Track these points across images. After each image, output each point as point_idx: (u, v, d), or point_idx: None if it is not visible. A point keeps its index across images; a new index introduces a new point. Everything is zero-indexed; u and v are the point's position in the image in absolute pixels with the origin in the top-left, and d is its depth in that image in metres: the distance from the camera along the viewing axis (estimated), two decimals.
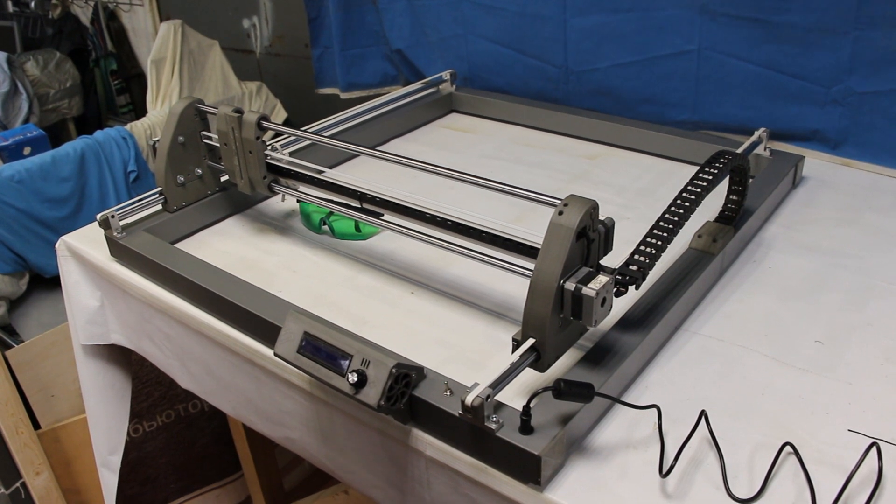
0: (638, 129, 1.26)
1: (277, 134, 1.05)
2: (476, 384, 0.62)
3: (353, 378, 0.65)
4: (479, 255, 0.79)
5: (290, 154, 1.03)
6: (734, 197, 0.92)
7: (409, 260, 0.98)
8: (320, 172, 0.94)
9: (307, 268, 0.99)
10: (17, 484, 1.59)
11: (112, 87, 2.78)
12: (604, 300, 0.66)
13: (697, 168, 0.84)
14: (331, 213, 1.04)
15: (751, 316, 0.84)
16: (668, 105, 1.32)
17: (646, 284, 0.76)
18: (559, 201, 0.67)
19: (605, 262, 0.71)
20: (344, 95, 1.72)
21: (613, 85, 1.36)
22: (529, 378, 0.71)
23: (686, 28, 1.24)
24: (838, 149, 1.20)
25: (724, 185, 0.90)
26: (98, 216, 0.98)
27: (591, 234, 0.67)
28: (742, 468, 0.64)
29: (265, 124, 0.96)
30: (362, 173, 1.14)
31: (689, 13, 1.22)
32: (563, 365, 0.72)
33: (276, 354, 0.73)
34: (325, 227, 1.05)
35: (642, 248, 0.76)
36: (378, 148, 1.19)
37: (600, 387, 0.67)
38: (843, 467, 0.61)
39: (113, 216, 0.98)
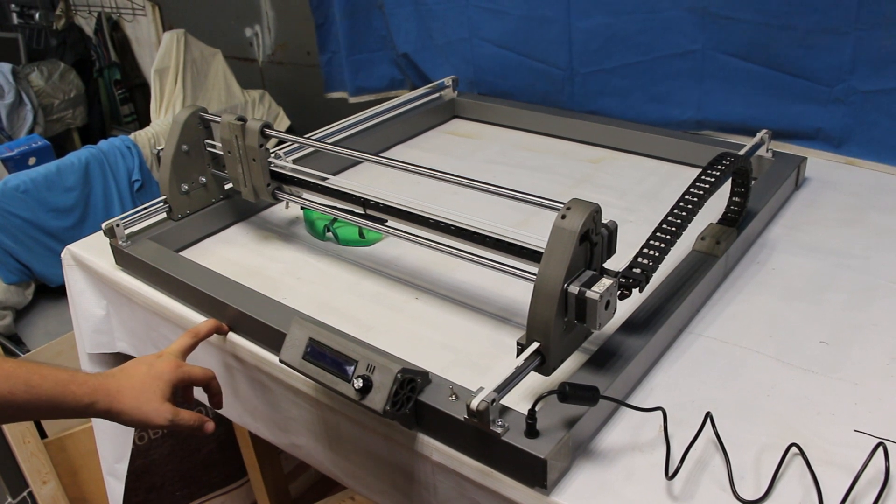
0: (640, 133, 1.26)
1: (281, 141, 1.06)
2: (481, 388, 0.62)
3: (359, 384, 0.65)
4: (483, 260, 0.80)
5: (294, 161, 1.04)
6: (737, 199, 0.92)
7: (412, 265, 0.99)
8: (324, 179, 0.94)
9: (311, 274, 0.99)
10: (25, 493, 1.59)
11: (116, 96, 2.79)
12: (608, 303, 0.66)
13: (700, 171, 0.84)
14: (334, 220, 1.04)
15: (755, 317, 0.84)
16: (673, 104, 1.32)
17: (649, 287, 0.76)
18: (562, 205, 0.67)
19: (608, 265, 0.71)
20: (352, 100, 1.73)
21: (618, 85, 1.36)
22: (534, 382, 0.71)
23: (689, 28, 1.24)
24: (842, 147, 1.20)
25: (727, 187, 0.90)
26: (103, 225, 0.99)
27: (594, 238, 0.67)
28: (748, 469, 0.64)
29: (268, 132, 0.97)
30: (365, 180, 1.15)
31: (693, 14, 1.23)
32: (567, 368, 0.72)
33: (281, 361, 0.74)
34: (329, 234, 1.05)
35: (646, 250, 0.76)
36: (381, 154, 1.20)
37: (605, 390, 0.67)
38: (849, 468, 0.61)
39: (118, 225, 0.98)
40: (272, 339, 0.81)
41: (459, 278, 0.94)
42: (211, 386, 0.83)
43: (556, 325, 0.66)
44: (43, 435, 1.62)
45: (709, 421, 0.66)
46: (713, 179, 0.82)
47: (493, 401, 0.61)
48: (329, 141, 1.19)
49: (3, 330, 1.85)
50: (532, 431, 0.63)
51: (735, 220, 0.92)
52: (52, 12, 2.80)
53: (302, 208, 1.05)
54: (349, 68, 1.69)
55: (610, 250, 0.70)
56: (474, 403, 0.61)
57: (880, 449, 0.61)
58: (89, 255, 1.06)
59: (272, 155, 0.99)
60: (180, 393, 0.79)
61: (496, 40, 1.47)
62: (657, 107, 1.34)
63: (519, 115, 1.41)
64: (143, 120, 2.74)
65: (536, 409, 0.62)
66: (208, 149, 1.05)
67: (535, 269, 0.68)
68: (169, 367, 0.77)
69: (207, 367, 0.83)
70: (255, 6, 2.22)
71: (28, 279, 1.90)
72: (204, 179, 1.06)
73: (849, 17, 1.10)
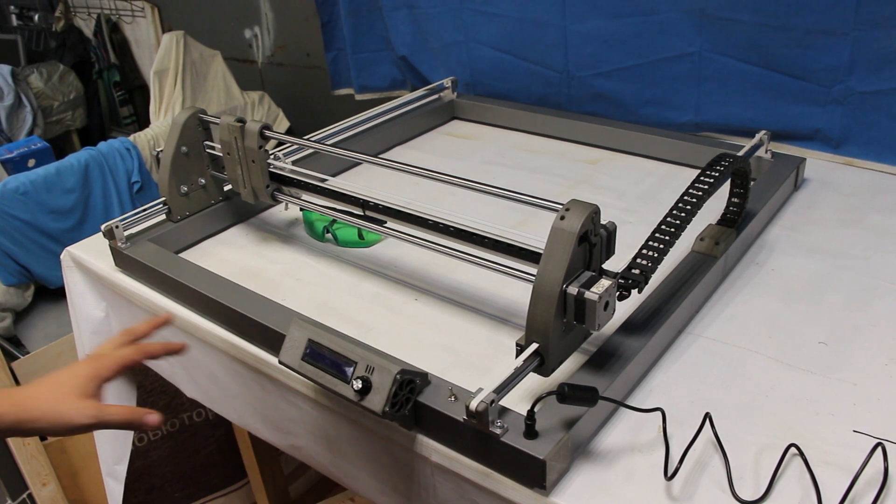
0: (639, 133, 1.26)
1: (280, 143, 1.06)
2: (480, 389, 0.62)
3: (358, 385, 0.65)
4: (482, 261, 0.80)
5: (293, 163, 1.04)
6: (736, 200, 0.92)
7: (412, 266, 0.99)
8: (323, 181, 0.95)
9: (311, 276, 0.99)
10: (24, 495, 1.59)
11: (115, 98, 2.79)
12: (606, 304, 0.66)
13: (699, 171, 0.84)
14: (334, 221, 1.04)
15: (754, 318, 0.84)
16: (671, 107, 1.32)
17: (648, 288, 0.76)
18: (561, 206, 0.67)
19: (607, 266, 0.71)
20: (358, 97, 1.74)
21: (615, 89, 1.36)
22: (533, 383, 0.71)
23: (686, 30, 1.24)
24: (841, 147, 1.20)
25: (726, 188, 0.90)
26: (102, 227, 0.99)
27: (592, 239, 0.67)
28: (747, 470, 0.64)
29: (267, 133, 0.97)
30: (365, 181, 1.15)
31: (689, 16, 1.23)
32: (566, 369, 0.72)
33: (280, 362, 0.74)
34: (329, 235, 1.05)
35: (645, 251, 0.76)
36: (380, 156, 1.20)
37: (604, 390, 0.67)
38: (848, 468, 0.61)
39: (117, 226, 0.98)
40: (271, 340, 0.81)
41: (458, 279, 0.94)
42: (154, 354, 0.75)
43: (555, 326, 0.66)
44: (43, 437, 1.62)
45: (708, 421, 0.66)
46: (712, 180, 0.82)
47: (493, 402, 0.61)
48: (328, 142, 1.20)
49: (3, 332, 1.85)
50: (531, 432, 0.63)
51: (734, 220, 0.92)
52: (52, 14, 2.80)
53: (301, 209, 1.05)
54: (354, 66, 1.70)
55: (609, 251, 0.70)
56: (473, 404, 0.61)
57: (879, 449, 0.61)
58: (89, 256, 1.06)
59: (271, 156, 0.99)
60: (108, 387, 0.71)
61: (491, 43, 1.47)
62: (655, 110, 1.34)
63: (518, 117, 1.41)
64: (143, 121, 2.74)
65: (535, 409, 0.62)
66: (207, 150, 1.05)
67: (533, 270, 0.68)
68: (85, 363, 0.70)
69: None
70: (255, 8, 2.22)
71: (27, 281, 1.90)
72: (203, 181, 1.06)
73: (847, 17, 1.10)
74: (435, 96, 1.48)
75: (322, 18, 1.71)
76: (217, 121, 1.00)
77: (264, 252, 1.05)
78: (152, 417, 0.69)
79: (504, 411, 0.65)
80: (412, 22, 1.57)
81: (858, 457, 0.61)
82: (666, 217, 0.79)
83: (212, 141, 1.04)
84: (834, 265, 0.92)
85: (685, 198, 0.81)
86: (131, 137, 2.04)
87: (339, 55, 1.75)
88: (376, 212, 0.89)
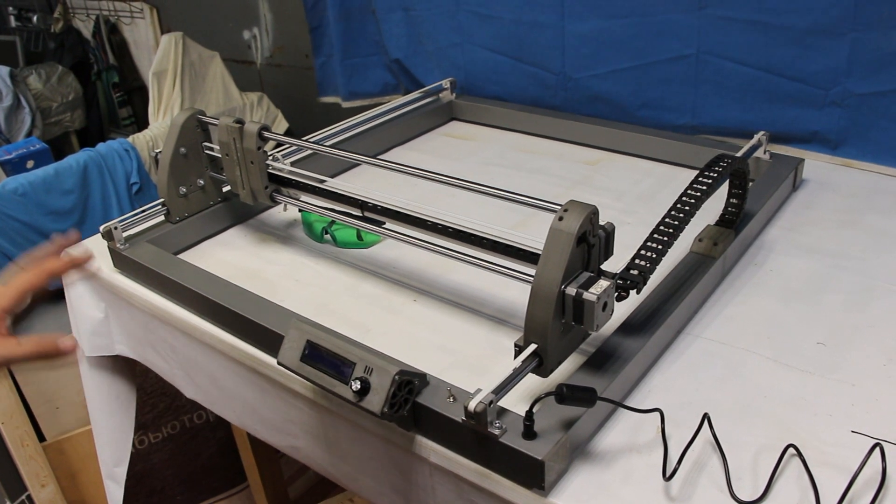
0: (637, 134, 1.26)
1: (279, 144, 1.06)
2: (479, 390, 0.62)
3: (357, 385, 0.65)
4: (481, 262, 0.80)
5: (292, 164, 1.04)
6: (734, 200, 0.92)
7: (410, 267, 0.99)
8: (322, 182, 0.95)
9: (309, 277, 0.99)
10: (23, 497, 1.59)
11: (114, 99, 2.79)
12: (605, 305, 0.66)
13: (697, 172, 0.84)
14: (332, 222, 1.04)
15: (753, 318, 0.84)
16: (668, 109, 1.32)
17: (647, 289, 0.76)
18: (559, 207, 0.68)
19: (606, 266, 0.71)
20: (345, 104, 1.73)
21: (612, 90, 1.36)
22: (532, 383, 0.72)
23: (684, 32, 1.24)
24: (838, 149, 1.20)
25: (725, 188, 0.90)
26: (101, 228, 0.99)
27: (591, 240, 0.67)
28: (746, 471, 0.64)
29: (266, 134, 0.97)
30: (363, 182, 1.15)
31: (687, 17, 1.23)
32: (565, 370, 0.72)
33: (279, 363, 0.74)
34: (327, 236, 1.05)
35: (643, 252, 0.76)
36: (379, 157, 1.20)
37: (603, 391, 0.67)
38: (846, 468, 0.61)
39: (116, 228, 0.98)
40: (270, 341, 0.81)
41: (457, 280, 0.94)
42: (56, 271, 0.71)
43: (554, 327, 0.66)
44: (41, 438, 1.62)
45: (706, 422, 0.66)
46: (710, 181, 0.82)
47: (491, 402, 0.62)
48: (327, 143, 1.20)
49: None
50: (530, 433, 0.63)
51: (733, 221, 0.92)
52: (50, 15, 2.80)
53: (300, 210, 1.05)
54: (343, 72, 1.69)
55: (607, 252, 0.71)
56: (472, 405, 0.61)
57: (877, 449, 0.61)
58: None
59: (270, 157, 0.99)
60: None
61: (488, 45, 1.47)
62: (652, 112, 1.34)
63: (517, 118, 1.41)
64: (142, 123, 2.74)
65: (534, 410, 0.62)
66: (206, 151, 1.05)
67: (532, 271, 0.68)
68: None
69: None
70: (253, 9, 2.22)
71: None
72: (202, 182, 1.06)
73: (845, 18, 1.10)
74: (434, 97, 1.48)
75: (311, 24, 1.69)
76: (216, 122, 1.00)
77: (263, 253, 1.05)
78: (66, 342, 0.67)
79: (503, 412, 0.65)
80: (407, 24, 1.57)
81: (856, 457, 0.62)
82: (664, 218, 0.79)
83: (210, 142, 1.04)
84: (832, 266, 0.92)
85: (684, 198, 0.81)
86: (130, 139, 2.03)
87: (327, 62, 1.73)
88: (375, 213, 0.89)
